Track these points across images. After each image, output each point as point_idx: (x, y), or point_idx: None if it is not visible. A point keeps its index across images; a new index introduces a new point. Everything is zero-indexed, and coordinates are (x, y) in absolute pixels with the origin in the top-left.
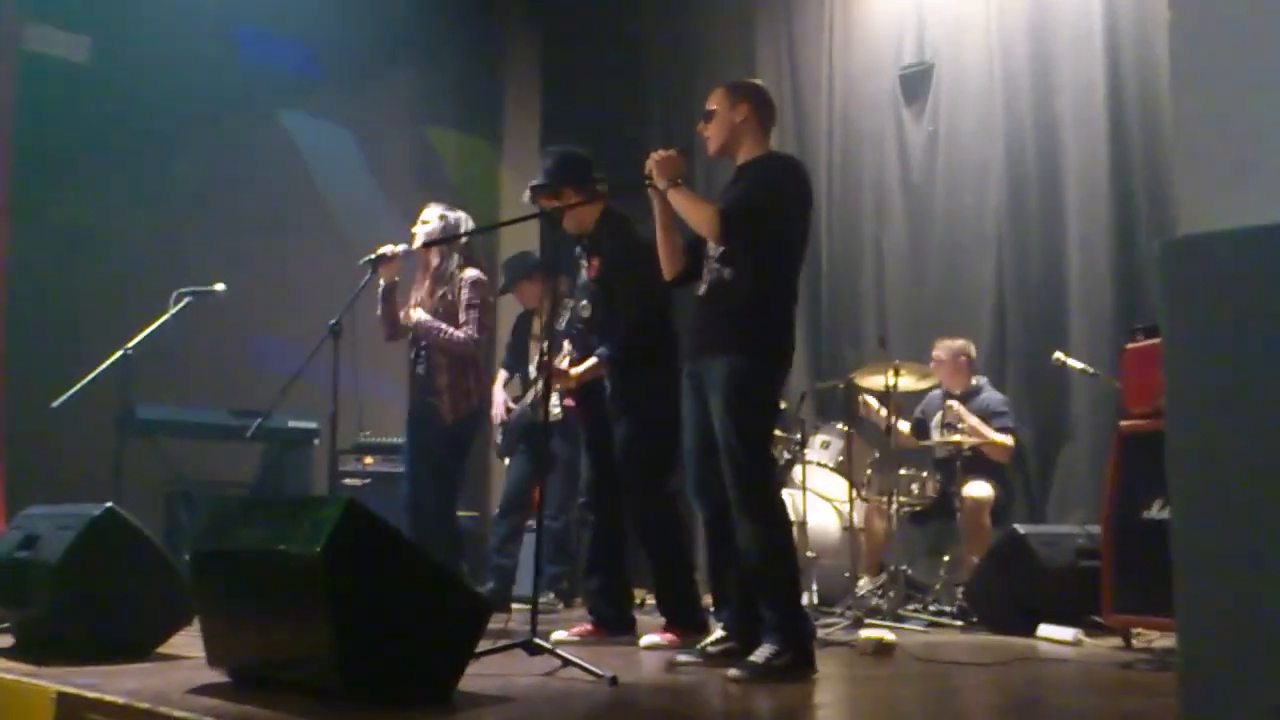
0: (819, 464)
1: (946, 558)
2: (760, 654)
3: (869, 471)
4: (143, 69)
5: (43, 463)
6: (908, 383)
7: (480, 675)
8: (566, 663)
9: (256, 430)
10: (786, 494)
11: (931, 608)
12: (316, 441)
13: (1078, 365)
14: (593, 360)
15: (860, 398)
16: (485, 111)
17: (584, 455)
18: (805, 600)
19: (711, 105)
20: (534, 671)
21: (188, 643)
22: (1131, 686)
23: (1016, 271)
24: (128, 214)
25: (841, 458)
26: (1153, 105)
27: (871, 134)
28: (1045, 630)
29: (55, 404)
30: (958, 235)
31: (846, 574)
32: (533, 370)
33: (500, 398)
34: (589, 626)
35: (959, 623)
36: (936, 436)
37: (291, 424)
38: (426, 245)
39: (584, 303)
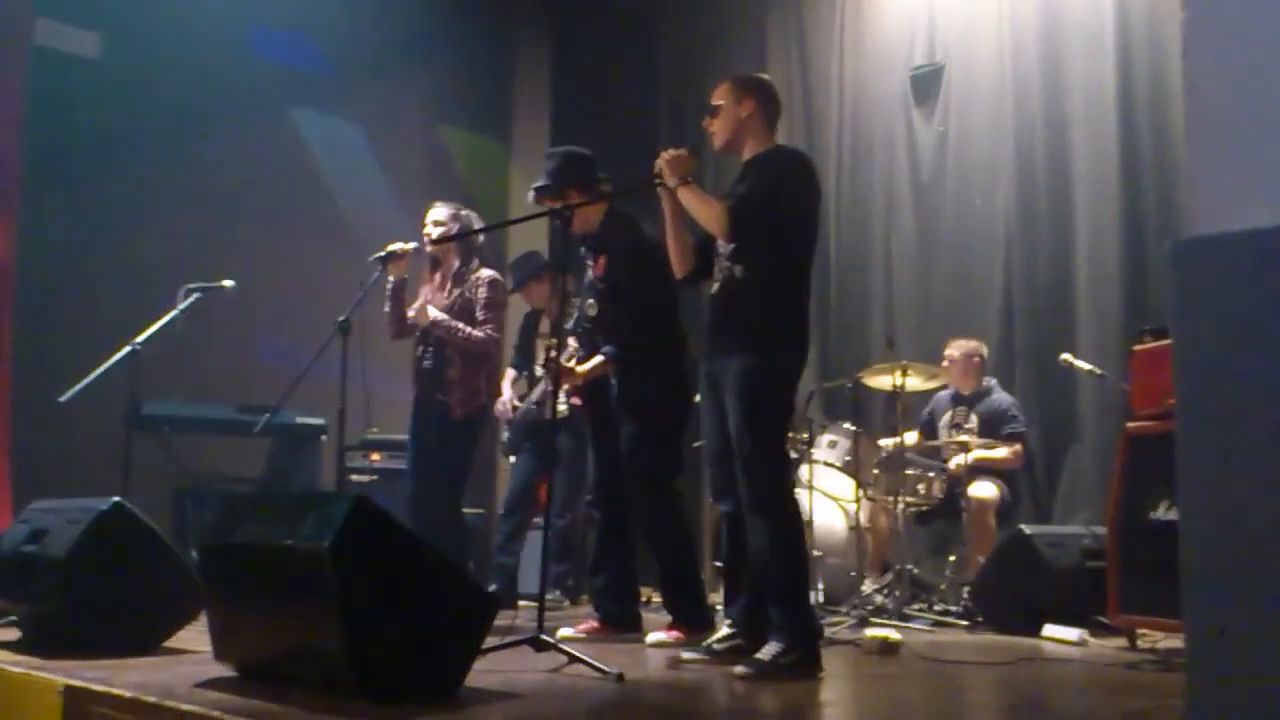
0: (826, 463)
1: (952, 557)
2: (767, 652)
3: (875, 471)
4: (154, 65)
5: (50, 457)
6: (915, 383)
7: (487, 671)
8: (573, 659)
9: (264, 426)
10: None
11: (937, 607)
12: (324, 438)
13: (1085, 366)
14: (599, 358)
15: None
16: (495, 110)
17: (591, 453)
18: (811, 599)
19: (717, 100)
20: (540, 668)
21: (195, 637)
22: (1137, 687)
23: (1025, 272)
24: (137, 209)
25: (848, 457)
26: (1163, 106)
27: (882, 134)
28: (1050, 630)
29: (63, 399)
30: (967, 236)
31: (852, 573)
32: (539, 369)
33: (507, 395)
34: (595, 624)
35: (964, 622)
36: (944, 437)
37: (299, 420)
38: (440, 242)
39: (590, 301)
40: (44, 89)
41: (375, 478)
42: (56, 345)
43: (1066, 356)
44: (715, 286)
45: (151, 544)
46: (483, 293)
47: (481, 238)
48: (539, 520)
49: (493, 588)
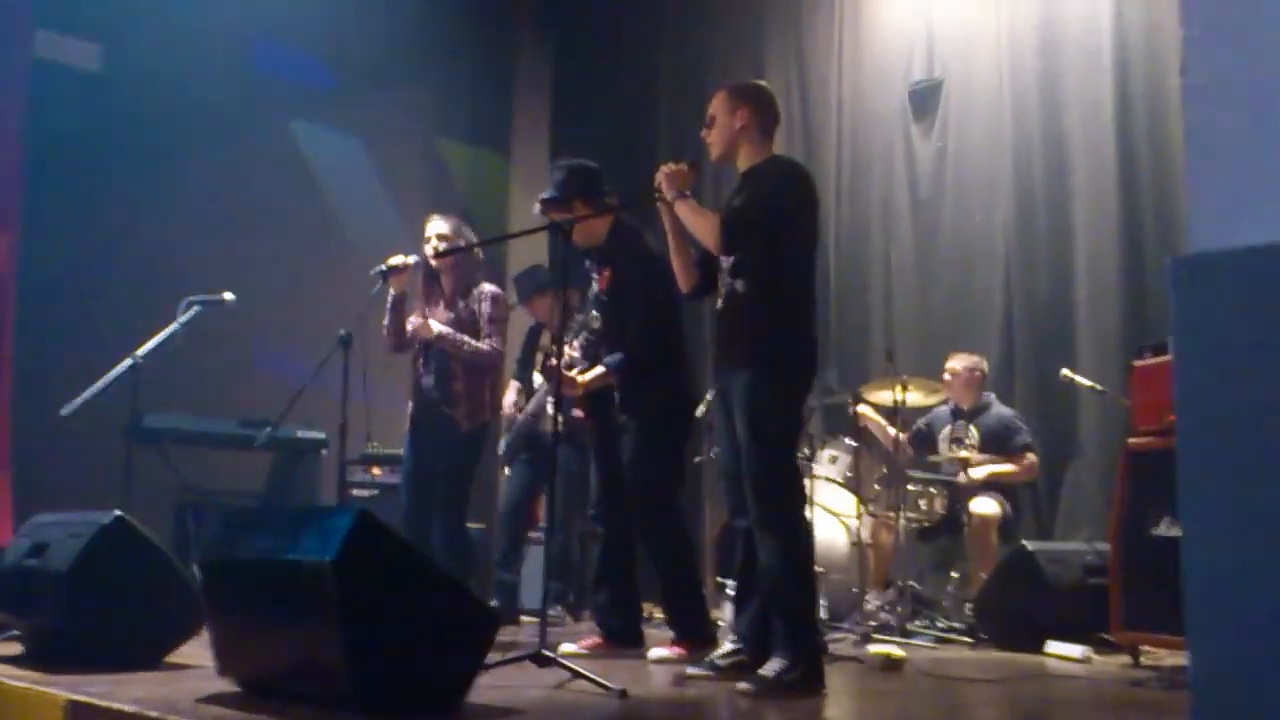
0: (827, 479)
1: (955, 574)
2: (770, 668)
3: (877, 487)
4: (154, 78)
5: (51, 470)
6: (915, 398)
7: (489, 687)
8: (575, 675)
9: (265, 440)
10: None
11: (940, 623)
12: (325, 452)
13: (1085, 382)
14: (600, 369)
15: (859, 409)
16: (495, 124)
17: (593, 467)
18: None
19: (712, 111)
20: (543, 683)
21: (197, 652)
22: (1140, 704)
23: (1024, 288)
24: (138, 222)
25: (849, 473)
26: (1161, 123)
27: (880, 149)
28: (1053, 647)
29: (64, 411)
30: (966, 251)
31: (854, 589)
32: (538, 381)
33: (510, 402)
34: (597, 639)
35: (967, 639)
36: (945, 451)
37: (300, 434)
38: (443, 255)
39: (594, 314)
40: (45, 101)
41: (376, 492)
42: (57, 358)
43: (1066, 372)
44: (720, 302)
45: (153, 558)
46: (486, 307)
47: (480, 253)
48: (534, 535)
49: (493, 604)
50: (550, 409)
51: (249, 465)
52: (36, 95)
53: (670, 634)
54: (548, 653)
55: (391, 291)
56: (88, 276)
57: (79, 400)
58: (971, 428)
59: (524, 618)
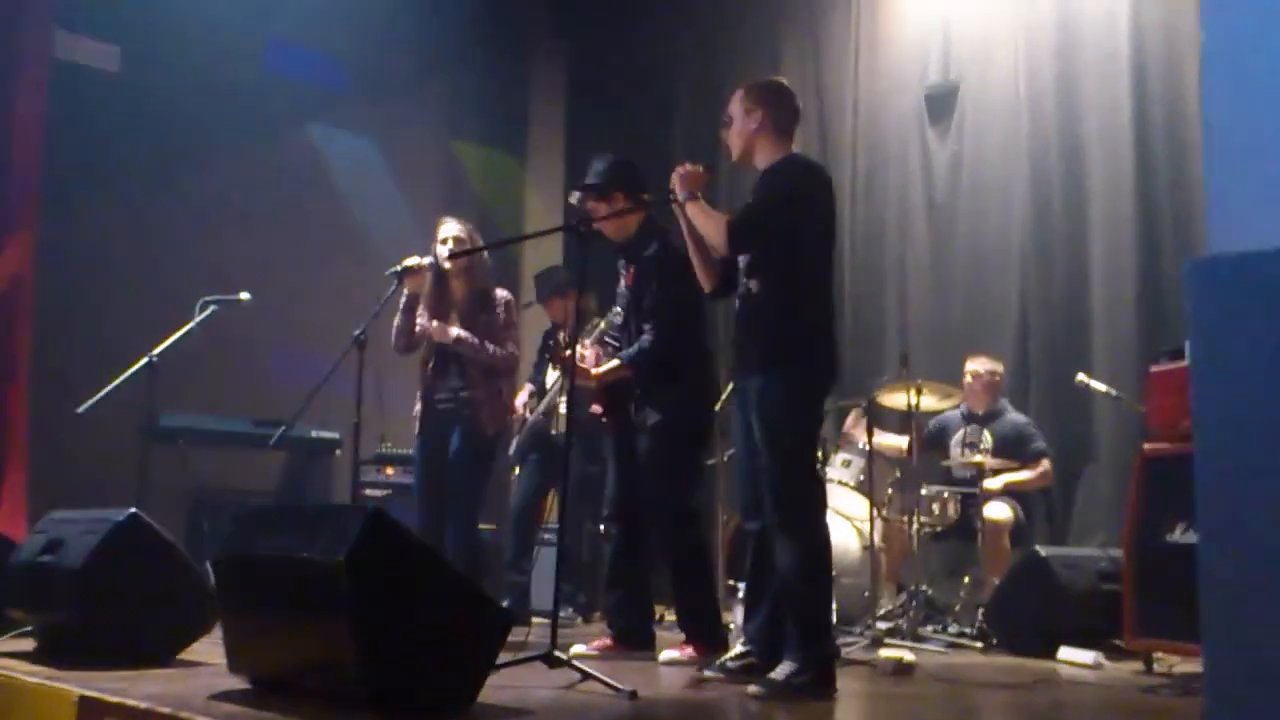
0: (840, 482)
1: (967, 579)
2: (781, 671)
3: (890, 491)
4: (172, 79)
5: (67, 468)
6: (930, 402)
7: (500, 687)
8: (586, 676)
9: (279, 439)
10: None
11: (951, 628)
12: (338, 451)
13: (1100, 387)
14: (615, 362)
15: (864, 436)
16: (511, 126)
17: (611, 466)
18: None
19: (730, 110)
20: (553, 684)
21: (209, 649)
22: (1154, 711)
23: (1040, 292)
24: (155, 223)
25: (862, 477)
26: (1178, 127)
27: (896, 153)
28: (1066, 653)
29: (81, 410)
30: (981, 255)
31: (866, 593)
32: (549, 380)
33: (521, 403)
34: (608, 641)
35: (979, 644)
36: (957, 455)
37: (314, 434)
38: (458, 256)
39: (617, 310)
40: (64, 102)
41: (389, 492)
42: (74, 357)
43: (1082, 377)
44: (738, 302)
45: (167, 555)
46: (501, 312)
47: (489, 257)
48: (546, 536)
49: (505, 604)
50: (563, 409)
51: (263, 464)
52: (55, 96)
53: (681, 636)
54: (558, 653)
55: (405, 292)
56: (105, 276)
57: (95, 398)
58: (985, 433)
59: (534, 619)
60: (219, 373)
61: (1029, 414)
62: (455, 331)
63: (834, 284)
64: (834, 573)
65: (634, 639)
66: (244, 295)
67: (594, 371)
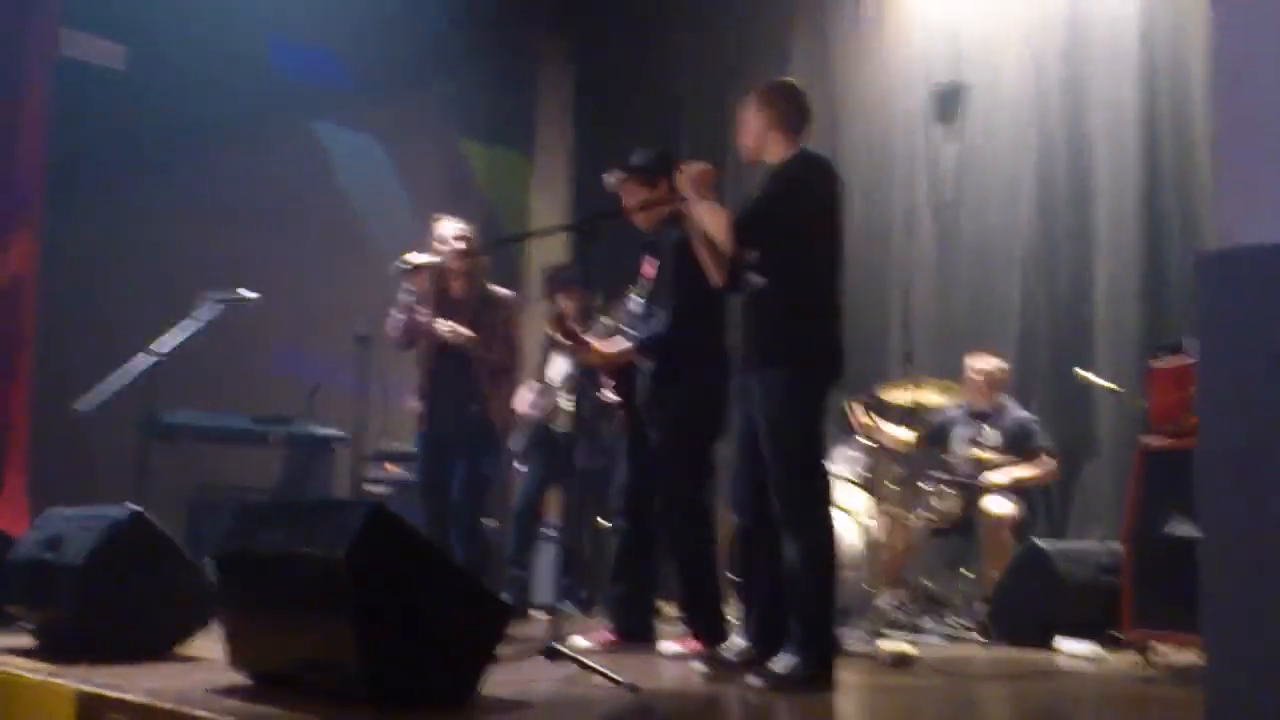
0: (841, 477)
1: (967, 572)
2: (782, 664)
3: (891, 485)
4: (178, 78)
5: (67, 465)
6: (933, 398)
7: (500, 681)
8: (586, 669)
9: (281, 436)
10: None
11: (951, 621)
12: (341, 448)
13: (1099, 382)
14: (625, 344)
15: (864, 419)
16: (517, 123)
17: (624, 460)
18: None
19: (743, 112)
20: (554, 678)
21: (209, 645)
22: (1152, 702)
23: (1044, 290)
24: (159, 220)
25: (864, 471)
26: (1185, 126)
27: (902, 151)
28: (1065, 645)
29: (81, 407)
30: (986, 253)
31: (867, 586)
32: (551, 376)
33: (524, 399)
34: (609, 634)
35: (979, 636)
36: (960, 452)
37: (316, 430)
38: (466, 255)
39: (635, 298)
40: (69, 100)
41: (391, 489)
42: (77, 353)
43: (1080, 371)
44: (744, 297)
45: (167, 552)
46: (504, 310)
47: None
48: (546, 531)
49: (505, 597)
50: (566, 405)
51: (265, 461)
52: (61, 94)
53: (683, 630)
54: (559, 647)
55: (409, 289)
56: (108, 273)
57: (94, 396)
58: (988, 429)
59: (534, 613)
60: (221, 370)
61: (1032, 409)
62: (468, 332)
63: (840, 280)
64: None
65: (634, 633)
66: (248, 293)
67: (596, 346)
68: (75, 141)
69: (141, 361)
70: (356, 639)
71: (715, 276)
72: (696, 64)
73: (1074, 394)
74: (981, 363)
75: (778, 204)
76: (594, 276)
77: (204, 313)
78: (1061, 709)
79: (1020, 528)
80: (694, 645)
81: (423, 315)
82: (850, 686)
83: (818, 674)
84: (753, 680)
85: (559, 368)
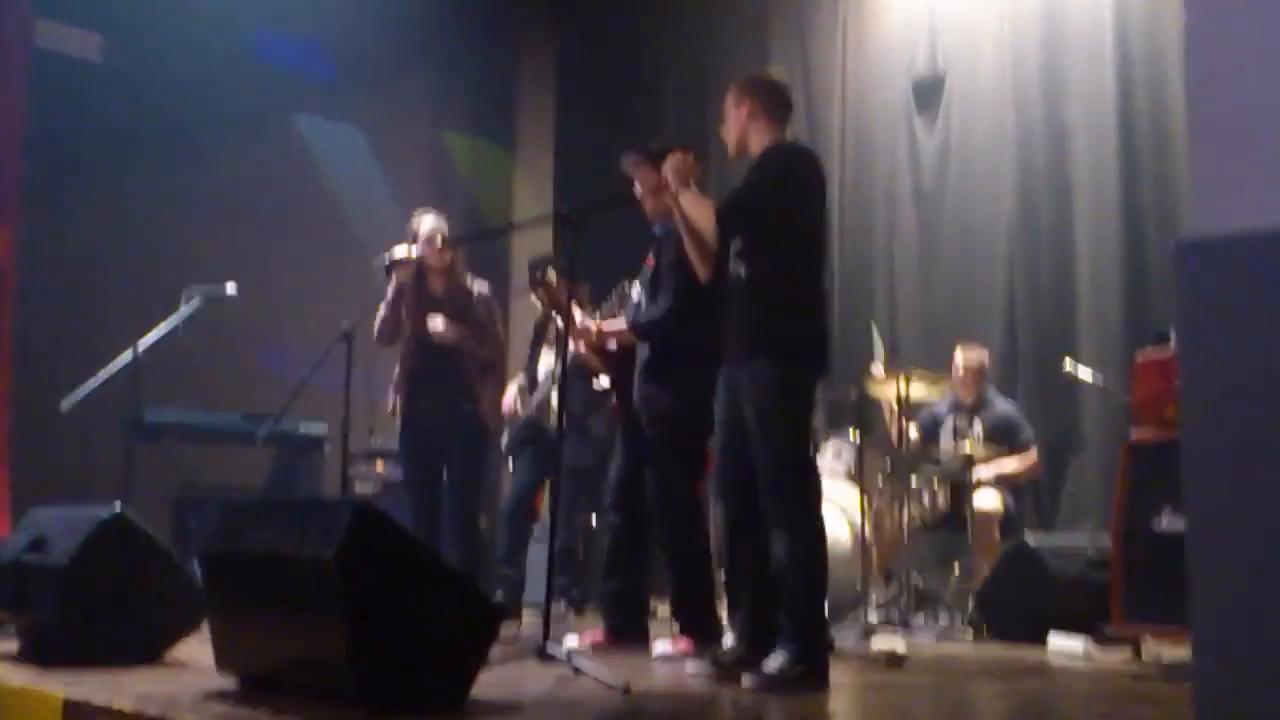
0: (830, 472)
1: (957, 568)
2: (773, 663)
3: (880, 481)
4: (156, 68)
5: (50, 464)
6: (919, 391)
7: (492, 682)
8: (578, 671)
9: (267, 434)
10: None
11: (942, 618)
12: (327, 446)
13: (1086, 375)
14: (621, 324)
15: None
16: (500, 116)
17: (617, 454)
18: None
19: (725, 107)
20: (546, 679)
21: (197, 647)
22: (1143, 697)
23: (1027, 281)
24: (139, 214)
25: (853, 467)
26: (1163, 116)
27: (884, 142)
28: (1055, 640)
29: (63, 406)
30: (969, 244)
31: (857, 583)
32: (541, 371)
33: (511, 397)
34: (600, 634)
35: (970, 633)
36: (947, 445)
37: (302, 428)
38: (449, 247)
39: (638, 288)
40: (46, 92)
41: (379, 487)
42: (57, 350)
43: (1070, 363)
44: (731, 289)
45: (153, 553)
46: (485, 306)
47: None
48: (539, 529)
49: (497, 598)
50: (555, 402)
51: (251, 460)
52: (37, 85)
53: (675, 630)
54: (551, 648)
55: (393, 284)
56: (88, 268)
57: (78, 395)
58: (976, 421)
59: (526, 612)
60: (205, 367)
61: (1016, 402)
62: (455, 329)
63: (825, 271)
64: None
65: (627, 632)
66: (230, 287)
67: (593, 325)
68: (53, 133)
69: (125, 359)
70: (347, 639)
71: (700, 269)
72: (678, 56)
73: (1059, 386)
74: (967, 354)
75: (763, 194)
76: (579, 267)
77: (186, 308)
78: (1052, 705)
79: (1010, 523)
80: (686, 645)
81: (406, 311)
82: (842, 685)
83: (809, 673)
84: (744, 680)
85: (547, 364)
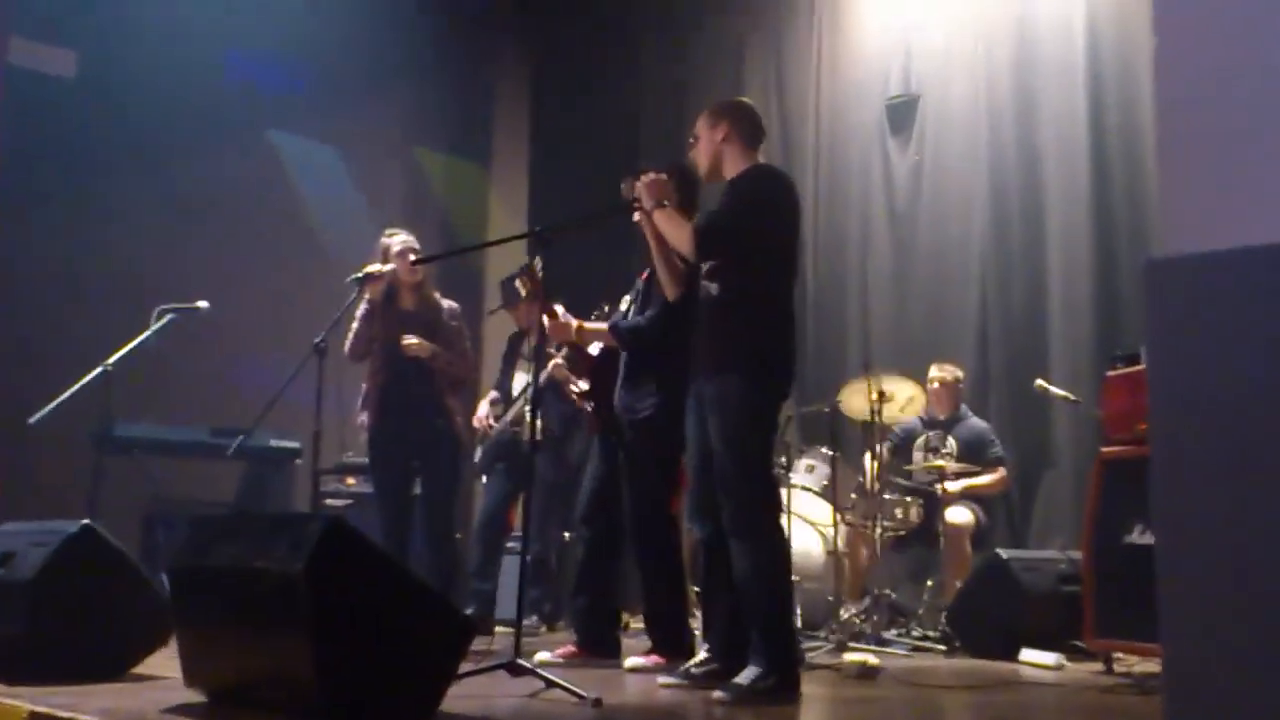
0: (803, 488)
1: (929, 582)
2: (745, 676)
3: (853, 496)
4: (130, 85)
5: (19, 479)
6: (891, 408)
7: (462, 696)
8: (549, 684)
9: (237, 449)
10: None
11: (915, 632)
12: (298, 461)
13: (1059, 393)
14: (602, 325)
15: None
16: (474, 133)
17: (591, 466)
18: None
19: (696, 129)
20: (517, 693)
21: (164, 662)
22: (1114, 711)
23: (1000, 300)
24: (111, 229)
25: (826, 482)
26: (1134, 138)
27: (858, 163)
28: (1027, 655)
29: (33, 420)
30: (942, 264)
31: (830, 598)
32: (516, 387)
33: (483, 413)
34: (573, 647)
35: (942, 647)
36: (919, 460)
37: (273, 443)
38: (419, 262)
39: (627, 299)
40: (19, 108)
41: (350, 502)
42: (28, 365)
43: (1041, 383)
44: (701, 306)
45: (121, 567)
46: (455, 322)
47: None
48: (512, 544)
49: (469, 613)
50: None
51: (221, 474)
52: (11, 102)
53: (647, 644)
54: (522, 661)
55: (365, 300)
56: (60, 284)
57: (47, 410)
58: (949, 438)
59: (499, 627)
60: (176, 382)
61: (989, 419)
62: (429, 345)
63: (794, 290)
64: (798, 578)
65: (599, 645)
66: (201, 303)
67: (576, 324)
68: (26, 150)
69: (96, 373)
70: (315, 654)
71: (668, 289)
72: (653, 75)
73: (1031, 403)
74: (944, 372)
75: (742, 214)
76: (552, 286)
77: (157, 324)
78: (1023, 718)
79: (981, 537)
80: (658, 658)
81: (378, 327)
82: (814, 698)
83: (781, 685)
84: (717, 694)
85: (520, 380)
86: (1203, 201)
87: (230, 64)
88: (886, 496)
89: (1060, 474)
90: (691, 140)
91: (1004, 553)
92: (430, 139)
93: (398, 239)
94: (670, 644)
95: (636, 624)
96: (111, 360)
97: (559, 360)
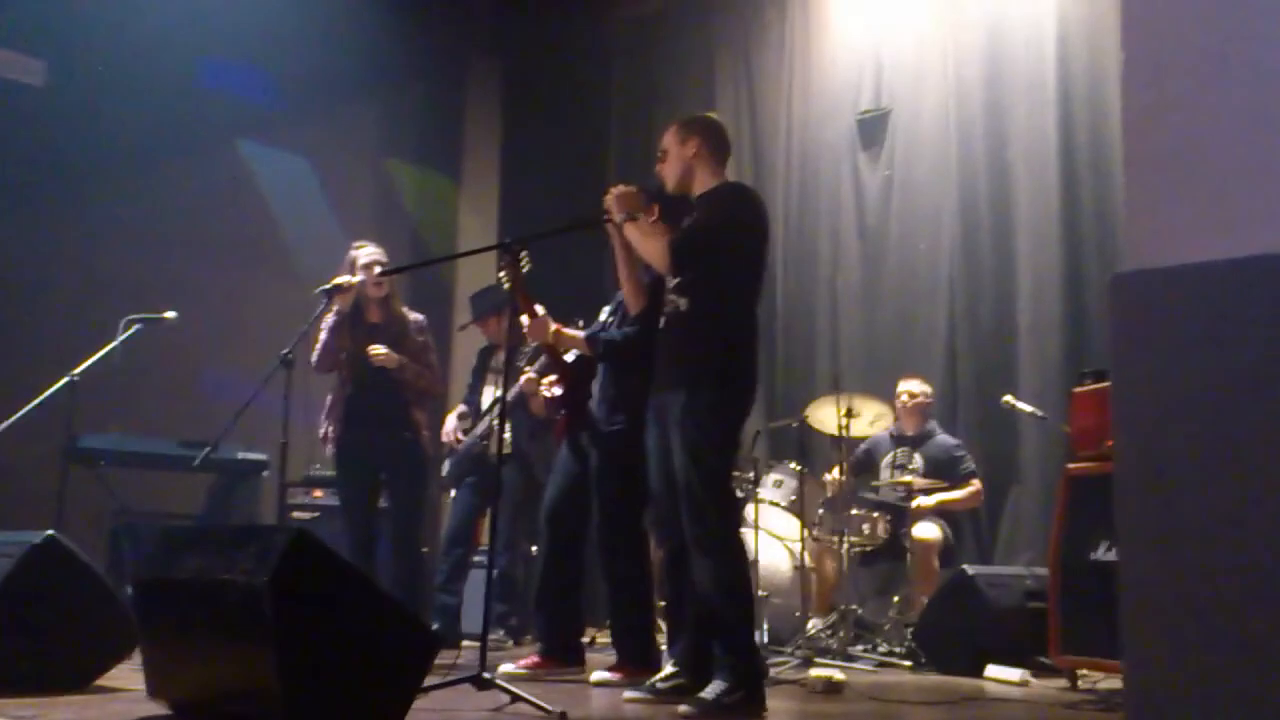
0: (771, 503)
1: (896, 598)
2: (711, 691)
3: (820, 511)
4: (100, 94)
5: None
6: (860, 424)
7: (427, 710)
8: (515, 698)
9: (204, 461)
10: None
11: (881, 647)
12: (266, 473)
13: (1026, 408)
14: (581, 333)
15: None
16: (444, 145)
17: (558, 470)
18: (757, 639)
19: (665, 144)
20: (482, 707)
21: (128, 674)
22: None
23: (968, 315)
24: (79, 239)
25: (794, 497)
26: (1103, 154)
27: (828, 177)
28: (993, 670)
29: None
30: (911, 279)
31: (797, 613)
32: (485, 401)
33: (451, 427)
34: (537, 658)
35: (908, 662)
36: (887, 476)
37: (241, 455)
38: (386, 273)
39: (610, 313)
40: None
41: (317, 514)
42: None
43: (1008, 398)
44: (662, 320)
45: (85, 579)
46: (422, 336)
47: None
48: (479, 558)
49: (434, 627)
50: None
51: (188, 486)
52: None
53: (613, 658)
54: (487, 675)
55: (334, 312)
56: (27, 293)
57: (12, 420)
58: (916, 455)
59: (465, 641)
60: (143, 393)
61: (957, 435)
62: (398, 357)
63: (759, 305)
64: (765, 593)
65: (563, 655)
66: (170, 314)
67: (554, 327)
68: None
69: (61, 384)
70: (279, 667)
71: (631, 302)
72: (624, 89)
73: (999, 418)
74: (913, 386)
75: (716, 229)
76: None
77: (124, 335)
78: None
79: (948, 553)
80: (623, 673)
81: (345, 339)
82: (780, 713)
83: (746, 700)
84: (682, 708)
85: (490, 395)
86: (1167, 217)
87: (201, 74)
88: (854, 511)
89: (1027, 490)
90: (660, 155)
91: (970, 569)
92: (401, 151)
93: (365, 251)
94: (636, 658)
95: (603, 639)
96: (78, 370)
97: (530, 374)
